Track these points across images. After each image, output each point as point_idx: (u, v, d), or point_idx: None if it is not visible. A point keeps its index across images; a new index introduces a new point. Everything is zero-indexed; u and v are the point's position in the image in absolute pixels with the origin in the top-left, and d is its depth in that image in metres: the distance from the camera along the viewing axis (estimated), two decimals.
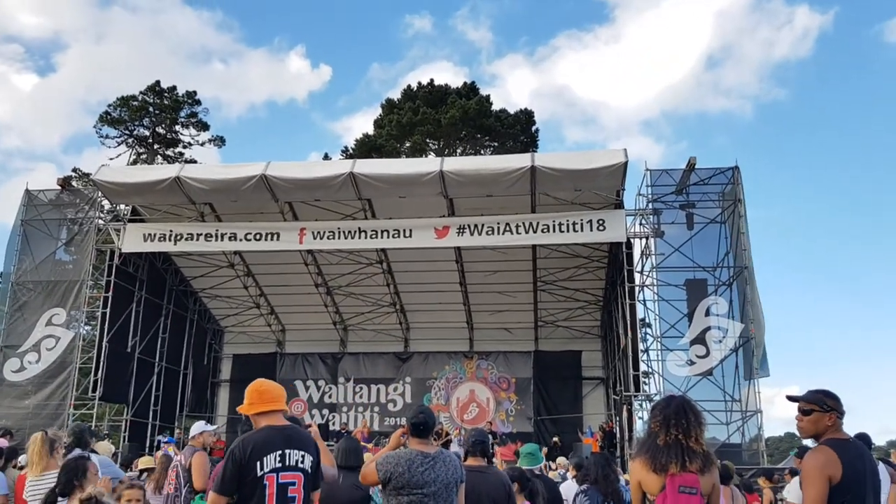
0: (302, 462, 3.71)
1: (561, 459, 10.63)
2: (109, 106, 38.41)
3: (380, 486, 4.23)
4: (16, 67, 72.49)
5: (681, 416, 3.59)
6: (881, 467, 7.39)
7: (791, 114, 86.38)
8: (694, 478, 3.46)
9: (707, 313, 16.07)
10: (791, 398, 3.90)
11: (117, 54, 66.76)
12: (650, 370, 16.82)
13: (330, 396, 22.97)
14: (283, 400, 3.91)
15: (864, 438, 6.85)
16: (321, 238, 17.16)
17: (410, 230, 16.95)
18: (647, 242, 16.91)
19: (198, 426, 6.62)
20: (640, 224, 16.84)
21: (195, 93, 39.29)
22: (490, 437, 17.39)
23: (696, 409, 3.70)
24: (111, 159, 36.73)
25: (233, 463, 3.63)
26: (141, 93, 38.50)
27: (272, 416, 3.80)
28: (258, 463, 3.59)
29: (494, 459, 10.30)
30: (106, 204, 18.71)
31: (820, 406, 3.78)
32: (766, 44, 76.01)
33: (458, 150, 36.41)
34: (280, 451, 3.67)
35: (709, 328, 15.98)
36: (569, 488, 7.71)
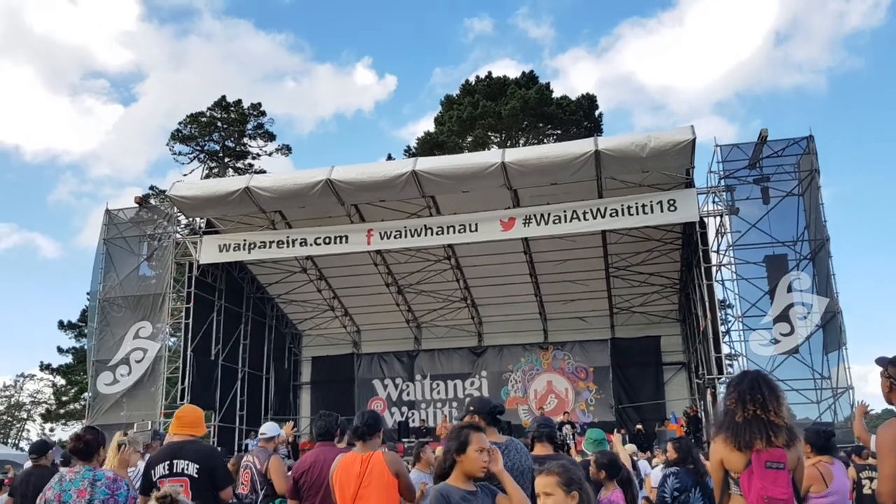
0: (187, 469, 4.77)
1: (628, 447, 10.44)
2: (180, 123, 39.81)
3: None
4: (102, 100, 76.54)
5: (756, 391, 3.45)
6: None
7: (868, 84, 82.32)
8: (781, 452, 3.33)
9: (789, 289, 15.49)
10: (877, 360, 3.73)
11: (194, 80, 69.67)
12: (733, 351, 16.34)
13: (408, 394, 23.17)
14: (196, 425, 5.10)
15: None
16: (388, 238, 17.31)
17: (476, 224, 16.90)
18: (721, 220, 16.42)
19: (272, 428, 6.72)
20: (714, 202, 16.35)
21: (260, 104, 40.33)
22: (570, 426, 17.25)
23: (771, 382, 3.55)
24: (185, 175, 38.04)
25: (143, 471, 5.01)
26: (209, 108, 39.72)
27: (181, 435, 5.00)
28: (152, 472, 4.83)
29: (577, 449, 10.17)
30: (182, 218, 19.34)
31: (883, 370, 3.62)
32: (837, 15, 72.76)
33: (521, 141, 36.15)
34: (168, 462, 4.81)
35: (792, 304, 15.39)
36: (660, 473, 7.54)
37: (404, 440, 19.00)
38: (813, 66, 78.23)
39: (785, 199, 15.95)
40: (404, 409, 22.95)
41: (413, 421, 21.96)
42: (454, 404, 22.62)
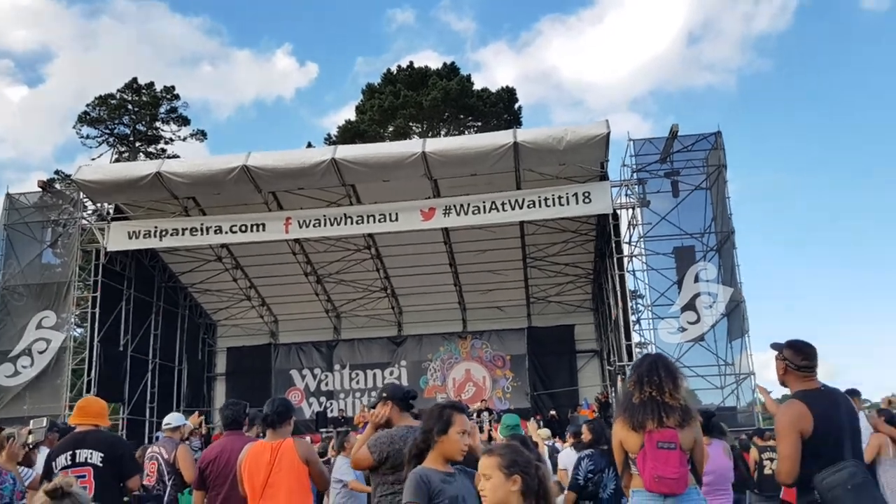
0: (90, 458, 4.75)
1: (542, 431, 10.72)
2: (88, 105, 38.11)
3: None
4: (7, 81, 71.87)
5: (653, 373, 3.58)
6: (861, 416, 7.48)
7: (774, 85, 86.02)
8: (672, 433, 3.46)
9: (696, 279, 16.12)
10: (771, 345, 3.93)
11: (105, 62, 66.10)
12: (643, 339, 16.89)
13: (326, 384, 22.99)
14: (100, 415, 5.09)
15: (850, 392, 6.90)
16: (307, 226, 17.06)
17: (396, 214, 16.85)
18: (633, 212, 16.88)
19: (177, 418, 6.58)
20: (626, 195, 16.79)
21: (173, 88, 39.04)
22: (487, 413, 17.48)
23: (669, 365, 3.68)
24: (93, 159, 36.50)
25: (45, 463, 5.00)
26: (119, 91, 38.19)
27: (84, 425, 4.95)
28: (53, 463, 4.82)
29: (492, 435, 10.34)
30: (89, 204, 18.54)
31: (778, 353, 3.81)
32: (746, 18, 75.50)
33: (442, 132, 36.24)
34: (70, 452, 4.79)
35: (698, 294, 16.03)
36: (567, 456, 7.74)
37: (322, 430, 18.85)
38: (724, 67, 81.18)
39: (693, 193, 16.56)
40: (322, 399, 22.76)
41: (331, 411, 21.81)
42: (373, 394, 22.56)
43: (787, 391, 3.99)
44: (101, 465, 4.73)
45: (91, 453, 4.76)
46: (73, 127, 38.11)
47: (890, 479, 7.59)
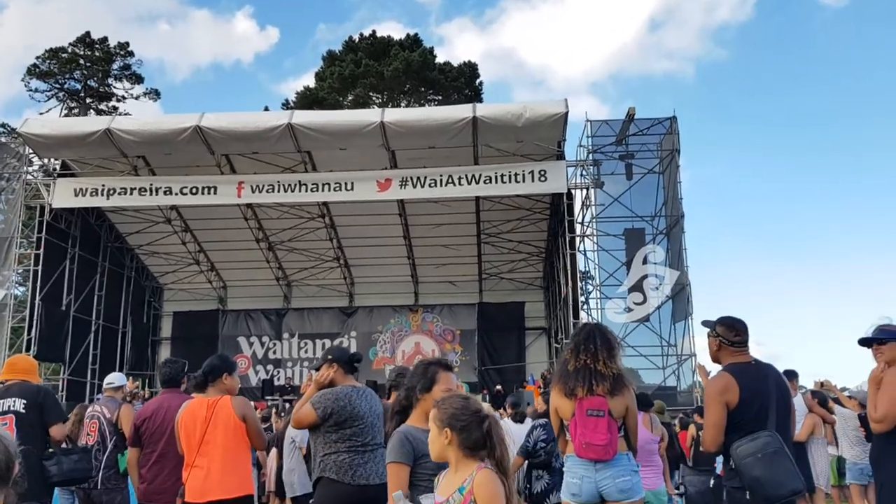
0: (13, 406, 4.88)
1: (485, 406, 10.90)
2: (38, 58, 36.76)
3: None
4: None
5: (589, 342, 3.65)
6: (797, 398, 7.77)
7: (731, 76, 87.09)
8: (601, 401, 3.53)
9: (644, 261, 16.40)
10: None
11: (59, 15, 63.51)
12: (590, 318, 17.13)
13: (274, 352, 22.84)
14: (28, 372, 5.22)
15: (788, 373, 7.18)
16: (260, 192, 16.82)
17: (352, 183, 16.72)
18: (587, 193, 17.07)
19: (120, 378, 6.47)
20: (581, 175, 16.98)
21: (127, 44, 37.91)
22: None
23: (606, 334, 3.75)
24: (41, 113, 35.31)
25: None
26: (71, 44, 36.92)
27: (13, 380, 5.07)
28: None
29: None
30: (35, 159, 17.98)
31: (710, 330, 3.92)
32: (707, 7, 76.13)
33: (402, 104, 35.95)
34: None
35: (646, 276, 16.32)
36: (504, 426, 7.87)
37: (268, 398, 18.76)
38: (683, 55, 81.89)
39: (646, 176, 16.80)
40: (270, 367, 22.62)
41: (279, 379, 21.70)
42: None
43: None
44: (23, 410, 4.79)
45: (14, 401, 4.83)
46: (22, 80, 36.84)
47: (818, 456, 7.98)
